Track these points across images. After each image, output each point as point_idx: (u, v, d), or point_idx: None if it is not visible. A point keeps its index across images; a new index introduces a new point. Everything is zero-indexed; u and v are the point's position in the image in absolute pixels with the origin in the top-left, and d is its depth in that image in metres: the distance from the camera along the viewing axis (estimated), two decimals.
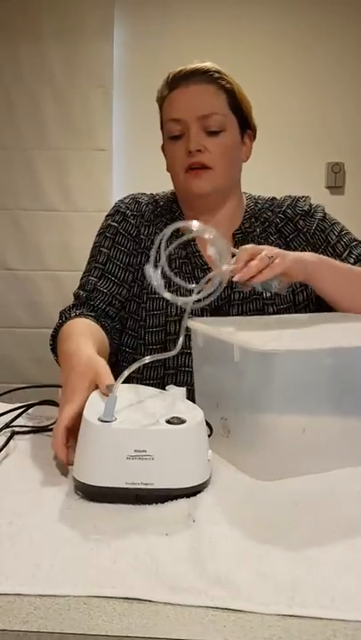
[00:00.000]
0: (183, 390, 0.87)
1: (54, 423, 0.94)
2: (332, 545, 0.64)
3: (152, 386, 0.95)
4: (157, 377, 1.25)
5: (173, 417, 0.76)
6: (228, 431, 0.88)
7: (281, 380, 0.82)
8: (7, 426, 0.97)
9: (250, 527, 0.68)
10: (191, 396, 0.91)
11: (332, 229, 1.31)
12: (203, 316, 1.25)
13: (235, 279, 0.98)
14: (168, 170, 1.32)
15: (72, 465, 0.79)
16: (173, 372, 1.24)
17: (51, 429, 0.96)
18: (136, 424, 0.75)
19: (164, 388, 0.89)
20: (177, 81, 1.25)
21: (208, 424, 0.86)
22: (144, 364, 1.22)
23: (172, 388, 0.87)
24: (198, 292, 0.85)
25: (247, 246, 1.03)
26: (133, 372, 0.81)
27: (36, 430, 0.98)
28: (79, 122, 2.85)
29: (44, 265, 2.92)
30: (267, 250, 1.01)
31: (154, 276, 0.83)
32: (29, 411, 1.04)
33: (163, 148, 1.33)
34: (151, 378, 1.26)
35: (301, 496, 0.76)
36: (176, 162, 1.26)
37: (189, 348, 0.99)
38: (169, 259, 1.26)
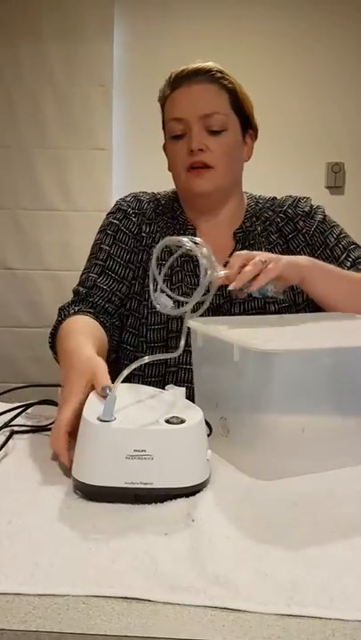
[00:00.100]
0: (182, 390, 0.87)
1: (53, 423, 0.94)
2: (332, 545, 0.64)
3: (153, 383, 0.95)
4: (159, 374, 1.26)
5: (173, 417, 0.76)
6: (228, 431, 0.88)
7: (281, 379, 0.82)
8: (6, 425, 0.97)
9: (249, 527, 0.68)
10: (191, 395, 0.91)
11: (332, 232, 1.32)
12: (204, 315, 1.25)
13: (230, 288, 0.98)
14: (169, 169, 1.32)
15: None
16: (175, 369, 1.25)
17: (50, 429, 0.96)
18: (135, 424, 0.75)
19: (164, 386, 0.89)
20: (179, 80, 1.25)
21: (208, 423, 0.86)
22: (146, 363, 1.23)
23: (171, 388, 0.87)
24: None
25: (240, 252, 1.03)
26: (135, 369, 0.81)
27: (36, 430, 0.98)
28: (79, 121, 2.85)
29: (43, 264, 2.92)
30: (260, 255, 1.02)
31: (159, 299, 0.88)
32: (28, 410, 1.04)
33: (164, 147, 1.33)
34: (152, 375, 1.26)
35: (301, 496, 0.76)
36: (178, 161, 1.26)
37: (190, 345, 1.00)
38: (170, 255, 1.27)
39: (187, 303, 0.87)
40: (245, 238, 1.31)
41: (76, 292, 1.30)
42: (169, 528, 0.67)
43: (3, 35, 2.84)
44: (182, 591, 0.56)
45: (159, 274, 0.90)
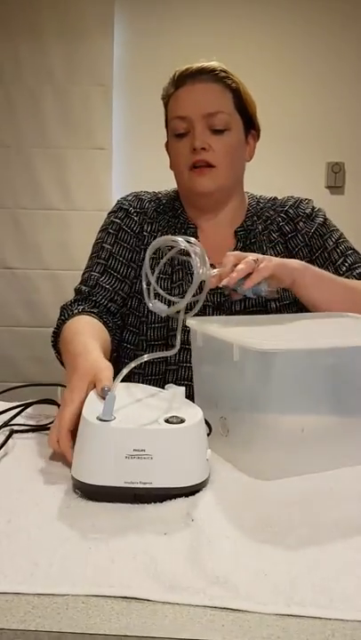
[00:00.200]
0: (182, 389, 0.87)
1: (52, 422, 0.94)
2: (331, 545, 0.64)
3: (154, 381, 0.95)
4: (159, 373, 1.26)
5: (172, 416, 0.76)
6: (228, 430, 0.87)
7: (280, 379, 0.81)
8: (6, 424, 0.97)
9: (249, 526, 0.68)
10: (191, 394, 0.91)
11: (331, 236, 1.32)
12: (205, 313, 1.25)
13: (223, 282, 0.99)
14: (171, 168, 1.32)
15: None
16: (175, 367, 1.25)
17: (49, 428, 0.96)
18: (135, 423, 0.75)
19: (165, 384, 0.89)
20: (183, 79, 1.26)
21: (207, 423, 0.86)
22: (146, 361, 1.23)
23: (171, 387, 0.87)
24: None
25: (232, 252, 1.04)
26: (135, 367, 0.81)
27: (35, 429, 0.98)
28: (79, 120, 2.85)
29: (42, 264, 2.92)
30: (252, 255, 1.03)
31: (154, 306, 0.89)
32: (28, 409, 1.04)
33: (166, 145, 1.33)
34: (153, 374, 1.26)
35: (300, 496, 0.76)
36: (180, 159, 1.26)
37: (191, 344, 0.99)
38: (171, 257, 1.27)
39: (179, 302, 0.88)
40: (246, 237, 1.32)
41: (78, 291, 1.30)
42: (168, 528, 0.67)
43: (2, 33, 2.83)
44: (182, 591, 0.56)
45: (152, 274, 0.91)
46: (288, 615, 0.53)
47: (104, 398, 0.78)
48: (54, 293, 2.88)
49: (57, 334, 1.22)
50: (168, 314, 0.90)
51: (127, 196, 1.37)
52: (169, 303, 0.93)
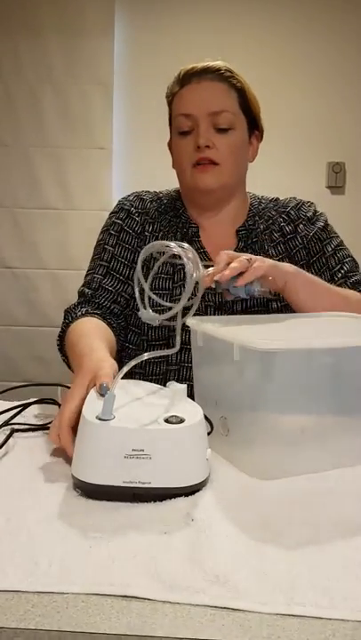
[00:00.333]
0: (184, 387, 0.87)
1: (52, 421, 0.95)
2: (331, 544, 0.64)
3: (154, 381, 0.95)
4: (160, 372, 1.26)
5: (172, 416, 0.76)
6: (228, 430, 0.87)
7: (280, 379, 0.81)
8: (7, 423, 0.97)
9: (249, 526, 0.68)
10: (191, 394, 0.91)
11: (330, 242, 1.33)
12: (206, 312, 1.25)
13: (216, 278, 0.99)
14: (174, 166, 1.32)
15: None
16: (176, 367, 1.25)
17: (49, 428, 0.96)
18: (134, 423, 0.75)
19: (166, 384, 0.89)
20: (189, 77, 1.26)
21: (208, 421, 0.86)
22: (146, 360, 1.23)
23: (173, 385, 0.87)
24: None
25: (226, 251, 1.04)
26: (136, 367, 0.81)
27: (36, 428, 0.98)
28: (79, 119, 2.85)
29: (42, 263, 2.92)
30: (245, 255, 1.03)
31: (147, 316, 0.90)
32: (28, 409, 1.04)
33: (169, 144, 1.33)
34: (154, 373, 1.26)
35: (300, 495, 0.76)
36: (184, 157, 1.26)
37: (191, 344, 1.00)
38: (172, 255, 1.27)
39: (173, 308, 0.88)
40: (248, 236, 1.32)
41: (81, 294, 1.30)
42: (168, 527, 0.67)
43: (1, 30, 2.82)
44: (182, 590, 0.56)
45: (145, 280, 0.91)
46: (288, 615, 0.53)
47: (103, 396, 0.78)
48: (53, 293, 2.88)
49: (62, 338, 1.22)
50: (160, 322, 0.90)
51: (128, 195, 1.37)
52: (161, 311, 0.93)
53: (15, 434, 0.95)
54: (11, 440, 0.93)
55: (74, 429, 0.81)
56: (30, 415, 1.03)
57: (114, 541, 0.64)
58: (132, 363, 0.81)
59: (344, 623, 0.52)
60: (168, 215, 1.34)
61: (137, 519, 0.69)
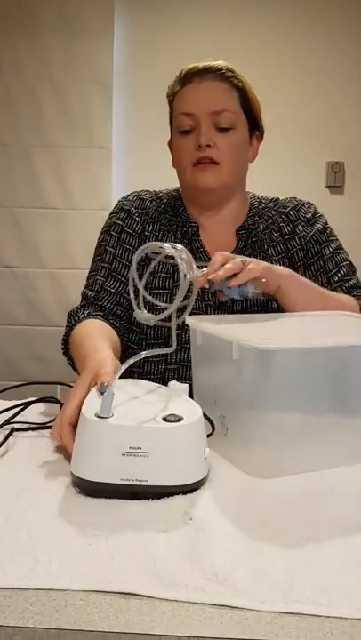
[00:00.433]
0: (185, 387, 0.87)
1: (53, 420, 0.95)
2: (330, 543, 0.64)
3: (153, 380, 0.95)
4: (159, 372, 1.26)
5: (170, 414, 0.76)
6: (227, 429, 0.87)
7: (279, 377, 0.82)
8: (7, 422, 0.97)
9: (247, 525, 0.68)
10: (190, 393, 0.92)
11: (329, 245, 1.33)
12: (206, 312, 1.25)
13: (210, 277, 0.99)
14: (174, 165, 1.32)
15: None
16: (175, 366, 1.25)
17: (50, 427, 0.96)
18: (132, 421, 0.75)
19: (165, 383, 0.89)
20: (190, 77, 1.26)
21: (210, 422, 0.86)
22: (145, 359, 1.24)
23: (174, 385, 0.87)
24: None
25: (221, 252, 1.05)
26: (135, 366, 0.81)
27: (36, 427, 0.98)
28: (78, 119, 2.84)
29: (41, 263, 2.92)
30: (240, 257, 1.04)
31: (142, 316, 0.90)
32: (28, 407, 1.04)
33: (169, 143, 1.33)
34: (152, 373, 1.26)
35: (299, 494, 0.76)
36: (184, 156, 1.26)
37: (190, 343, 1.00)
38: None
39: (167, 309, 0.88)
40: (248, 236, 1.32)
41: (84, 296, 1.31)
42: (167, 525, 0.67)
43: (0, 30, 2.82)
44: (180, 588, 0.56)
45: (140, 280, 0.92)
46: (286, 613, 0.53)
47: (102, 393, 0.78)
48: (53, 292, 2.88)
49: (66, 341, 1.22)
50: (155, 323, 0.90)
51: (128, 195, 1.37)
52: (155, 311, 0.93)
53: (15, 433, 0.95)
54: (10, 439, 0.93)
55: (75, 428, 0.81)
56: (30, 414, 1.03)
57: (113, 539, 0.64)
58: (131, 361, 0.81)
59: (342, 621, 0.52)
60: (168, 214, 1.34)
61: (136, 517, 0.69)
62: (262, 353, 0.78)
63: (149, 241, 1.31)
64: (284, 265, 1.29)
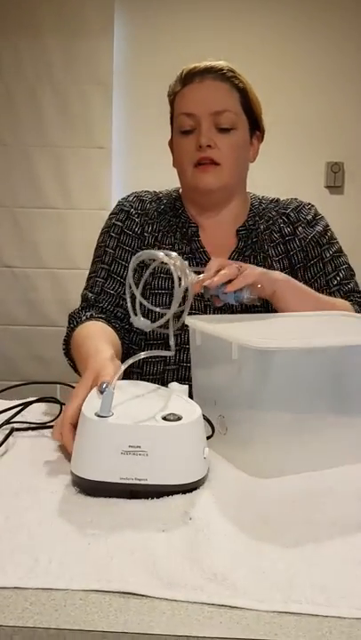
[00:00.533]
0: (185, 388, 0.87)
1: (54, 420, 0.95)
2: (329, 543, 0.64)
3: (152, 381, 0.95)
4: (158, 373, 1.26)
5: (170, 413, 0.76)
6: (226, 429, 0.88)
7: (279, 377, 0.82)
8: (7, 422, 0.97)
9: (247, 524, 0.68)
10: (190, 393, 0.92)
11: (330, 248, 1.33)
12: (206, 312, 1.25)
13: (205, 283, 1.00)
14: (175, 165, 1.32)
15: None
16: (174, 367, 1.25)
17: (50, 426, 0.97)
18: (131, 420, 0.75)
19: (164, 384, 0.90)
20: (191, 77, 1.26)
21: (210, 424, 0.86)
22: (144, 360, 1.24)
23: (174, 386, 0.87)
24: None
25: (217, 258, 1.05)
26: (134, 367, 0.82)
27: (35, 427, 0.98)
28: (78, 119, 2.84)
29: (41, 262, 2.92)
30: (236, 262, 1.05)
31: (138, 322, 0.92)
32: (28, 407, 1.04)
33: (170, 143, 1.33)
34: (151, 373, 1.26)
35: (299, 494, 0.76)
36: (185, 156, 1.26)
37: (190, 343, 1.00)
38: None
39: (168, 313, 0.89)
40: (248, 236, 1.32)
41: (84, 298, 1.31)
42: (167, 525, 0.67)
43: (0, 30, 2.82)
44: (180, 588, 0.56)
45: (137, 287, 0.93)
46: (286, 612, 0.54)
47: (102, 392, 0.78)
48: (53, 292, 2.88)
49: (67, 342, 1.22)
50: (153, 329, 0.91)
51: (128, 196, 1.37)
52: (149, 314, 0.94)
53: (15, 432, 0.96)
54: (10, 439, 0.93)
55: (76, 427, 0.81)
56: (30, 414, 1.03)
57: (112, 539, 0.64)
58: (130, 361, 0.81)
59: (341, 620, 0.53)
60: (168, 215, 1.34)
61: (135, 517, 0.69)
62: (262, 353, 0.78)
63: (149, 242, 1.31)
64: (284, 266, 1.30)
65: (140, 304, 0.94)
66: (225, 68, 1.26)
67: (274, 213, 1.35)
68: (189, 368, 1.03)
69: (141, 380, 1.24)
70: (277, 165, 2.72)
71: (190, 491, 0.75)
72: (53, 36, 2.80)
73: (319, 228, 1.33)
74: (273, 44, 2.85)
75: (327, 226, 1.36)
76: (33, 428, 0.98)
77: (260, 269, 1.08)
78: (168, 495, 0.73)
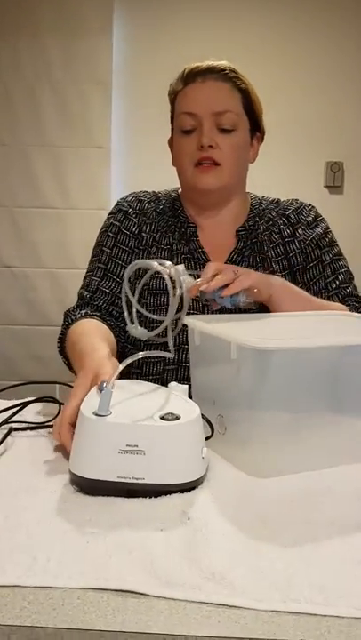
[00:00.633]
0: (185, 388, 0.87)
1: (52, 419, 0.95)
2: (327, 542, 0.64)
3: (151, 381, 0.95)
4: (157, 373, 1.26)
5: (168, 413, 0.76)
6: (225, 428, 0.88)
7: (277, 377, 0.82)
8: (6, 422, 0.97)
9: (245, 524, 0.68)
10: (189, 392, 0.92)
11: (330, 250, 1.33)
12: (204, 312, 1.25)
13: (202, 288, 1.01)
14: (174, 164, 1.32)
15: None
16: (174, 367, 1.25)
17: (48, 426, 0.96)
18: (129, 419, 0.75)
19: (164, 384, 0.90)
20: (193, 76, 1.26)
21: (209, 423, 0.86)
22: (143, 360, 1.24)
23: (174, 386, 0.87)
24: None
25: (213, 262, 1.06)
26: (133, 367, 0.82)
27: (34, 427, 0.98)
28: (77, 118, 2.84)
29: (40, 262, 2.92)
30: (232, 267, 1.06)
31: (135, 332, 0.92)
32: (27, 407, 1.04)
33: (170, 142, 1.33)
34: (151, 374, 1.26)
35: (297, 493, 0.76)
36: (185, 156, 1.26)
37: (189, 343, 1.00)
38: (170, 255, 1.27)
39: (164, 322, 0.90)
40: (247, 237, 1.32)
41: (80, 296, 1.32)
42: (165, 524, 0.67)
43: None
44: (178, 587, 0.56)
45: (133, 295, 0.93)
46: (284, 612, 0.54)
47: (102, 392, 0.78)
48: (52, 292, 2.88)
49: (62, 340, 1.23)
50: (149, 337, 0.91)
51: (127, 196, 1.37)
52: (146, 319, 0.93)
53: (13, 432, 0.95)
54: (9, 438, 0.93)
55: (75, 427, 0.81)
56: (29, 413, 1.03)
57: (111, 537, 0.64)
58: (128, 360, 0.81)
59: (339, 620, 0.53)
60: (166, 215, 1.34)
61: (134, 515, 0.69)
62: (261, 353, 0.78)
63: (147, 242, 1.31)
64: (283, 267, 1.30)
65: (137, 311, 0.95)
66: (227, 68, 1.26)
67: (274, 214, 1.35)
68: (189, 368, 1.03)
69: (141, 380, 1.24)
70: (277, 165, 2.71)
71: (188, 490, 0.75)
72: (52, 35, 2.80)
73: (319, 230, 1.33)
74: (272, 43, 2.85)
75: (327, 228, 1.35)
76: (32, 428, 0.98)
77: (257, 273, 1.09)
78: (166, 494, 0.73)
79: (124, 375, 0.83)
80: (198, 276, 1.02)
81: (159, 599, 0.55)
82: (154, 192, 1.39)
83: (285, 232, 1.32)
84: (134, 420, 0.75)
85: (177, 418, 0.76)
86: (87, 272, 1.34)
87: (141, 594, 0.55)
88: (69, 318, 1.24)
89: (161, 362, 1.26)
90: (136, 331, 0.93)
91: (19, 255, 2.92)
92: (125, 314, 0.93)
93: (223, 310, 1.19)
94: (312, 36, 2.85)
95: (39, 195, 2.89)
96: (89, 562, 0.60)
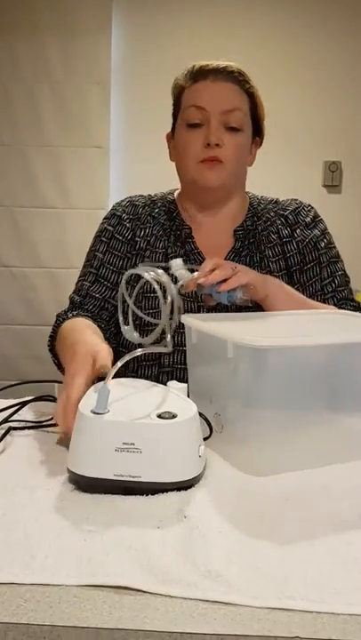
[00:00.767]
0: (184, 387, 0.87)
1: (51, 419, 0.95)
2: (323, 540, 0.65)
3: None
4: (152, 375, 1.26)
5: (165, 411, 0.76)
6: (222, 427, 0.88)
7: (274, 375, 0.82)
8: (5, 421, 0.97)
9: (242, 522, 0.68)
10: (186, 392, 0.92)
11: (327, 252, 1.33)
12: (201, 311, 1.25)
13: (200, 281, 1.01)
14: (173, 159, 1.32)
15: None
16: (169, 369, 1.25)
17: (47, 426, 0.97)
18: (126, 417, 0.75)
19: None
20: (205, 74, 1.26)
21: (209, 424, 0.87)
22: (138, 363, 1.24)
23: (173, 384, 0.88)
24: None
25: (212, 258, 1.06)
26: (129, 370, 0.82)
27: (33, 426, 0.98)
28: (76, 119, 2.85)
29: (40, 262, 2.92)
30: (230, 263, 1.06)
31: (129, 334, 0.94)
32: (25, 406, 1.04)
33: (168, 136, 1.33)
34: (146, 376, 1.26)
35: (293, 492, 0.76)
36: (190, 151, 1.26)
37: (184, 345, 1.00)
38: (165, 259, 1.27)
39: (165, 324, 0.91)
40: (245, 236, 1.32)
41: (71, 300, 1.33)
42: (162, 522, 0.67)
43: None
44: (174, 584, 0.56)
45: (128, 303, 0.94)
46: (280, 609, 0.54)
47: (101, 379, 0.79)
48: (51, 292, 2.88)
49: (53, 339, 1.23)
50: (141, 342, 0.92)
51: (122, 201, 1.38)
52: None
53: (12, 431, 0.96)
54: (8, 437, 0.93)
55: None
56: (27, 413, 1.04)
57: (108, 535, 0.64)
58: (127, 357, 0.81)
59: (335, 617, 0.53)
60: (161, 219, 1.34)
61: (131, 513, 0.69)
62: (257, 351, 0.79)
63: (140, 246, 1.31)
64: (280, 267, 1.30)
65: (133, 313, 0.95)
66: (236, 70, 1.27)
67: (272, 214, 1.35)
68: (184, 370, 1.04)
69: None
70: (275, 164, 2.72)
71: (185, 488, 0.75)
72: (51, 34, 2.80)
73: (317, 231, 1.33)
74: (271, 43, 2.85)
75: (326, 229, 1.35)
76: (30, 427, 0.98)
77: (255, 272, 1.10)
78: (163, 492, 0.74)
79: (118, 377, 0.83)
80: (196, 271, 1.03)
81: (156, 596, 0.55)
82: (150, 195, 1.39)
83: (284, 232, 1.32)
84: (131, 418, 0.75)
85: (174, 416, 0.76)
86: (79, 276, 1.35)
87: (138, 591, 0.55)
88: (60, 319, 1.25)
89: (156, 364, 1.26)
90: (131, 334, 0.93)
91: (18, 255, 2.92)
92: (120, 319, 0.94)
93: (219, 308, 1.20)
94: (311, 35, 2.85)
95: (38, 194, 2.89)
96: (86, 559, 0.60)
